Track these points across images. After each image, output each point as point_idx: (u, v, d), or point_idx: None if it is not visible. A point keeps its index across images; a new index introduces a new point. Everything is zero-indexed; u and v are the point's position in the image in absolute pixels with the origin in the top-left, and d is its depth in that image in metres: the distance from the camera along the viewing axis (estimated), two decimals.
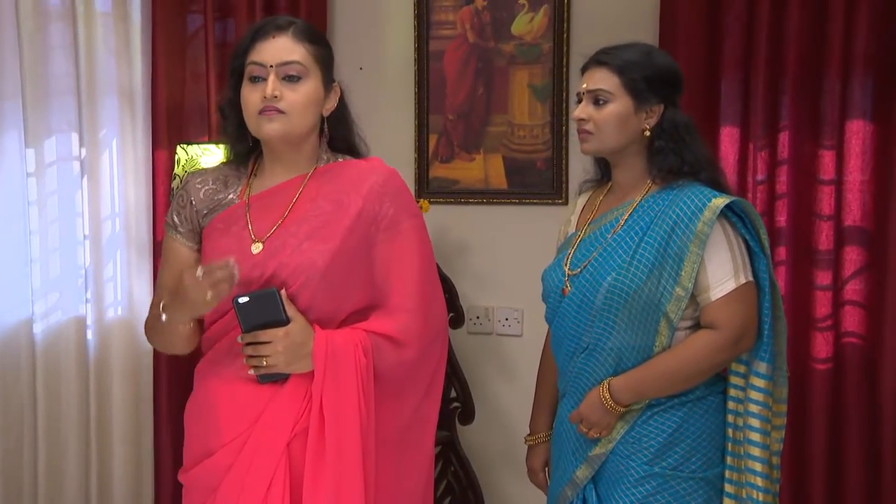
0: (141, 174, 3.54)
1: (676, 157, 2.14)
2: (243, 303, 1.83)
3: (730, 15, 3.05)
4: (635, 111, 2.14)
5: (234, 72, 1.95)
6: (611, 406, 2.10)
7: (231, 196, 2.00)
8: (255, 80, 1.90)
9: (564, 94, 3.30)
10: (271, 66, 1.89)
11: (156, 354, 3.57)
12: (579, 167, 3.31)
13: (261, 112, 1.89)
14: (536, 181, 3.37)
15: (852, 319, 3.03)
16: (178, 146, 3.26)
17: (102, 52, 3.51)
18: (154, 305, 2.01)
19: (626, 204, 2.19)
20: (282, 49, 1.90)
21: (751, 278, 2.11)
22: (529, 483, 3.38)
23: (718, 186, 2.16)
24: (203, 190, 2.02)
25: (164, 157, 3.53)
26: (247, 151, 2.03)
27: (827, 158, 2.99)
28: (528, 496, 3.43)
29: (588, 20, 3.29)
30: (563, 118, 3.31)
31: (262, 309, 1.84)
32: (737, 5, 3.03)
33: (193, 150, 3.20)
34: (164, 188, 3.52)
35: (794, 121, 3.01)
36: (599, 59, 2.16)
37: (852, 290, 3.02)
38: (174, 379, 3.59)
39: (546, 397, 2.43)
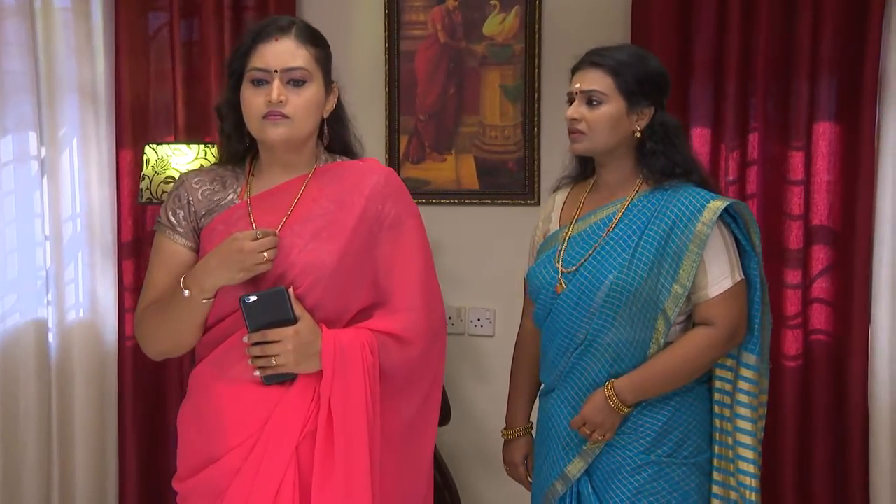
0: (104, 174, 3.48)
1: (667, 158, 2.19)
2: (251, 302, 1.81)
3: (701, 17, 3.09)
4: (627, 113, 2.17)
5: (234, 73, 1.93)
6: (617, 407, 2.13)
7: (231, 196, 1.98)
8: (257, 83, 1.88)
9: (536, 95, 3.32)
10: (275, 72, 1.87)
11: (120, 358, 3.52)
12: (551, 168, 3.36)
13: (265, 117, 1.88)
14: (508, 182, 3.38)
15: (819, 317, 3.10)
16: (147, 146, 3.19)
17: (62, 48, 3.45)
18: (146, 305, 1.97)
19: (617, 202, 2.22)
20: (285, 53, 1.88)
21: (743, 276, 2.18)
22: (504, 481, 3.38)
23: (708, 187, 2.21)
24: (201, 190, 1.99)
25: (128, 157, 3.47)
26: (243, 151, 2.01)
27: (796, 159, 3.06)
28: (503, 495, 3.45)
29: (560, 21, 3.31)
30: (535, 119, 3.33)
31: (270, 308, 1.82)
32: (707, 8, 3.08)
33: (164, 150, 3.15)
34: (129, 188, 3.47)
35: (763, 122, 3.08)
36: (593, 61, 2.19)
37: (820, 288, 3.09)
38: (140, 382, 3.54)
39: (523, 391, 2.45)
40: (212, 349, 1.94)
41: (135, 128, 3.47)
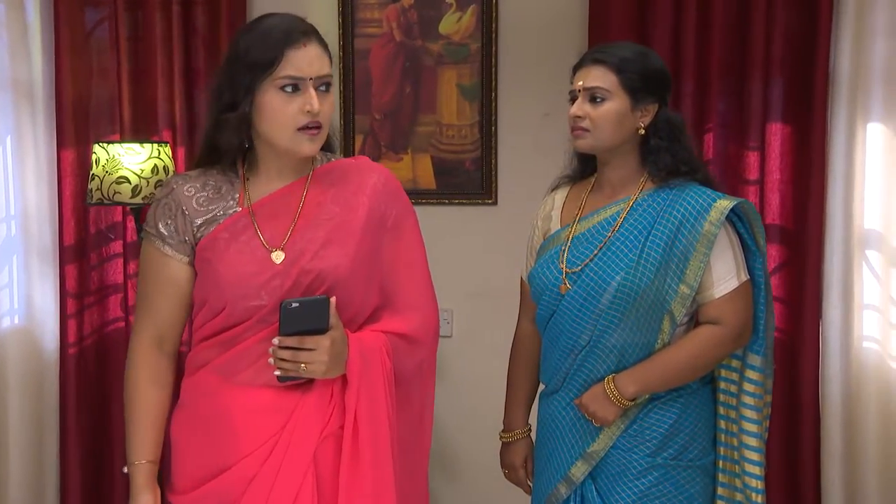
0: (43, 174, 3.33)
1: (672, 156, 2.18)
2: (293, 308, 1.76)
3: (657, 18, 3.13)
4: (631, 110, 2.16)
5: (254, 76, 1.81)
6: (615, 398, 2.11)
7: (230, 204, 1.91)
8: (287, 90, 1.81)
9: (493, 94, 3.31)
10: (310, 79, 1.81)
11: (62, 367, 3.37)
12: (508, 167, 3.36)
13: (302, 128, 1.82)
14: (465, 181, 3.37)
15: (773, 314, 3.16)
16: (97, 145, 3.06)
17: None
18: (137, 331, 1.93)
19: (621, 201, 2.21)
20: (315, 59, 1.83)
21: (748, 276, 2.18)
22: (462, 483, 3.38)
23: (712, 185, 2.21)
24: (195, 198, 1.91)
25: (70, 157, 3.33)
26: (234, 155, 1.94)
27: (751, 159, 3.13)
28: (461, 495, 3.44)
29: (516, 21, 3.31)
30: (492, 118, 3.32)
31: (309, 315, 1.77)
32: (664, 9, 3.12)
33: (115, 149, 3.02)
34: (72, 189, 3.32)
35: (718, 123, 3.14)
36: (596, 58, 2.17)
37: (772, 285, 3.14)
38: (84, 393, 3.39)
39: (521, 394, 2.42)
40: (217, 356, 1.88)
41: (77, 126, 3.33)
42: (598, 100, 2.15)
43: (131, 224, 3.29)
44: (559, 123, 3.19)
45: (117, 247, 3.38)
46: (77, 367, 3.37)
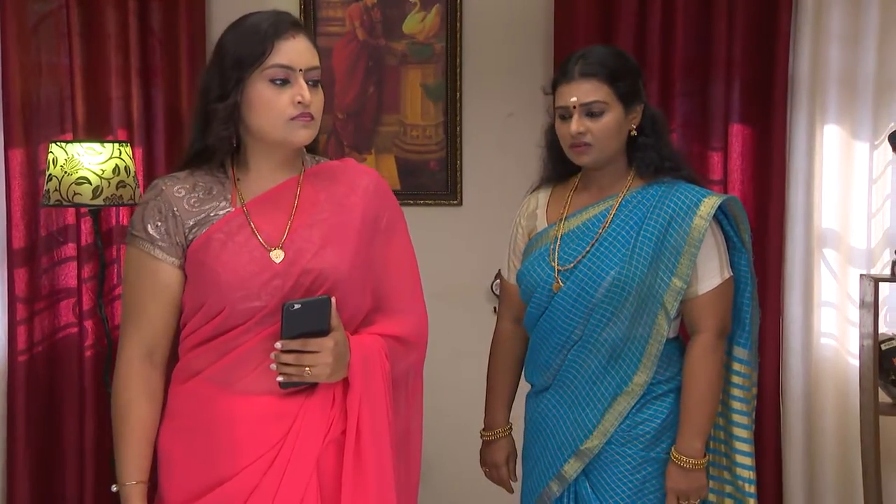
0: None
1: (656, 153, 2.20)
2: (295, 310, 1.71)
3: (621, 20, 3.15)
4: (625, 116, 2.17)
5: (242, 70, 1.77)
6: (692, 464, 2.13)
7: (223, 204, 1.84)
8: (277, 82, 1.77)
9: (458, 94, 3.30)
10: (300, 70, 1.77)
11: (11, 375, 3.22)
12: (473, 168, 3.35)
13: (294, 118, 1.78)
14: (430, 182, 3.35)
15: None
16: (54, 144, 2.93)
17: None
18: (126, 343, 1.84)
19: (610, 198, 2.22)
20: (305, 51, 1.80)
21: (731, 272, 2.21)
22: (425, 482, 3.34)
23: (696, 182, 2.23)
24: (186, 199, 1.84)
25: (18, 156, 3.18)
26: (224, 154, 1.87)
27: (714, 159, 3.18)
28: (423, 498, 3.41)
29: (481, 20, 3.31)
30: (457, 118, 3.31)
31: (311, 317, 1.73)
32: (628, 12, 3.14)
33: (74, 148, 2.89)
34: (22, 190, 3.18)
35: (682, 124, 3.18)
36: (584, 71, 2.15)
37: None
38: (34, 403, 3.26)
39: (503, 392, 2.41)
40: (211, 363, 1.81)
41: (25, 125, 3.18)
42: (596, 113, 2.14)
43: (86, 226, 3.17)
44: (524, 124, 3.23)
45: (70, 250, 3.24)
46: (27, 375, 3.23)
